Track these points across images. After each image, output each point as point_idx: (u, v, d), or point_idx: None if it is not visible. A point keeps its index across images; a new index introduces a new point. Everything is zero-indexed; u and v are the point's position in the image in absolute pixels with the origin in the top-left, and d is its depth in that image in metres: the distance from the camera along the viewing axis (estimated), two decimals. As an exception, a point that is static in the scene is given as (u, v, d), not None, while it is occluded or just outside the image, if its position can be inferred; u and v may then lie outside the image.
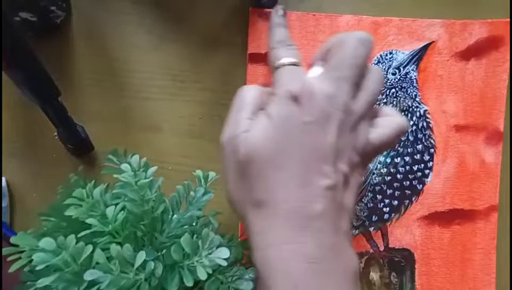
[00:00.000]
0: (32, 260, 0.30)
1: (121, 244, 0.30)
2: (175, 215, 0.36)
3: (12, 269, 0.31)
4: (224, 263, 0.31)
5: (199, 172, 0.39)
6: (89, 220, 0.32)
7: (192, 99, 0.48)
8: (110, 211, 0.32)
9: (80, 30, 0.48)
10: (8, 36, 0.34)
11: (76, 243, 0.29)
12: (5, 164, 0.48)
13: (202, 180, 0.39)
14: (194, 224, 0.37)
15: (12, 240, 0.31)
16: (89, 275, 0.28)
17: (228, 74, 0.48)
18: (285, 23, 0.39)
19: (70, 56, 0.48)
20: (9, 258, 0.31)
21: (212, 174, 0.39)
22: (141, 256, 0.29)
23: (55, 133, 0.46)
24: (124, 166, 0.34)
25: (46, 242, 0.29)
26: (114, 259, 0.29)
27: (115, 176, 0.35)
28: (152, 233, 0.34)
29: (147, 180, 0.34)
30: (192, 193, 0.37)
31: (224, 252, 0.31)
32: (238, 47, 0.48)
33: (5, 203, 0.46)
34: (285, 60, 0.32)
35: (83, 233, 0.31)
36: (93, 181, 0.36)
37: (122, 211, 0.32)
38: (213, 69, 0.48)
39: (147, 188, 0.34)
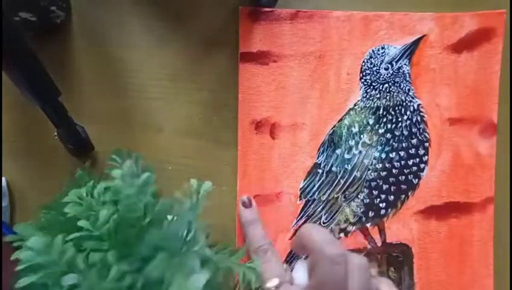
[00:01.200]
0: None
1: (106, 250, 0.30)
2: (161, 227, 0.35)
3: (13, 257, 0.31)
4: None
5: (194, 181, 0.37)
6: (80, 222, 0.31)
7: (192, 100, 0.49)
8: (102, 215, 0.31)
9: (80, 30, 0.49)
10: (8, 36, 0.35)
11: (66, 242, 0.29)
12: (5, 164, 0.48)
13: (195, 192, 0.37)
14: (181, 235, 0.36)
15: (15, 228, 0.31)
16: (68, 280, 0.28)
17: (228, 75, 0.48)
18: (257, 215, 0.46)
19: (71, 56, 0.49)
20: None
21: (206, 185, 0.37)
22: (117, 270, 0.29)
23: (55, 133, 0.47)
24: (115, 172, 0.33)
25: (35, 241, 0.29)
26: (95, 266, 0.29)
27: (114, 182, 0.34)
28: (137, 242, 0.33)
29: (140, 180, 0.33)
30: (181, 206, 0.36)
31: (202, 278, 0.30)
32: (238, 47, 0.48)
33: (5, 203, 0.47)
34: (270, 285, 0.36)
35: (72, 235, 0.31)
36: (91, 181, 0.36)
37: (114, 216, 0.32)
38: (213, 69, 0.48)
39: (139, 194, 0.33)
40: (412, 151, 0.47)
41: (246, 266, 0.36)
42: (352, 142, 0.47)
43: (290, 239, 0.48)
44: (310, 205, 0.48)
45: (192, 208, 0.36)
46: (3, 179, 0.47)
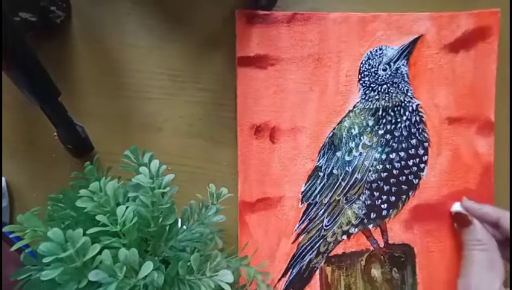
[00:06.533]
0: (33, 241, 0.30)
1: (126, 246, 0.30)
2: (184, 228, 0.36)
3: (15, 247, 0.30)
4: (228, 288, 0.30)
5: (212, 186, 0.38)
6: (98, 217, 0.31)
7: (192, 100, 0.48)
8: (120, 211, 0.31)
9: (80, 30, 0.48)
10: (8, 36, 0.34)
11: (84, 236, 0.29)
12: (5, 164, 0.47)
13: (214, 197, 0.38)
14: (198, 241, 0.37)
15: (18, 218, 0.31)
16: (93, 276, 0.27)
17: (228, 75, 0.48)
18: None
19: (70, 56, 0.48)
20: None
21: (224, 190, 0.38)
22: (148, 266, 0.28)
23: (55, 134, 0.46)
24: (142, 169, 0.34)
25: (55, 233, 0.28)
26: (120, 263, 0.28)
27: (133, 180, 0.33)
28: (157, 241, 0.34)
29: (164, 190, 0.33)
30: (203, 211, 0.37)
31: (229, 277, 0.31)
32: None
33: (4, 203, 0.46)
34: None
35: (91, 230, 0.30)
36: (102, 177, 0.35)
37: (133, 213, 0.32)
38: (213, 69, 0.48)
39: (161, 195, 0.33)
40: (412, 151, 0.47)
41: (255, 269, 0.37)
42: (352, 144, 0.47)
43: (292, 243, 0.48)
44: (312, 209, 0.48)
45: (216, 213, 0.37)
46: (3, 179, 0.47)
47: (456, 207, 0.47)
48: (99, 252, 0.28)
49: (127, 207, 0.31)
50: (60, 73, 0.46)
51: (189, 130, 0.48)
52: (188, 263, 0.31)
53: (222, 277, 0.31)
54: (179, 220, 0.37)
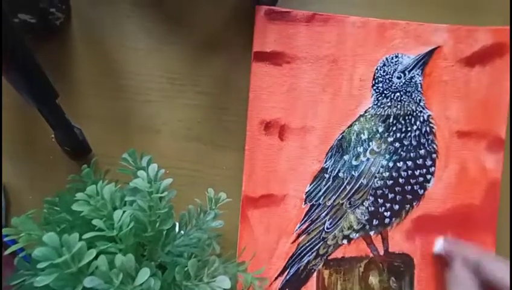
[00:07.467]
0: (29, 245, 0.29)
1: (122, 251, 0.29)
2: (182, 233, 0.35)
3: (9, 251, 0.30)
4: None
5: (211, 191, 0.38)
6: (95, 221, 0.30)
7: (191, 103, 0.48)
8: (117, 215, 0.31)
9: (79, 32, 0.48)
10: (8, 38, 0.34)
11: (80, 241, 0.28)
12: (2, 165, 0.47)
13: (213, 202, 0.37)
14: (195, 246, 0.36)
15: (13, 222, 0.30)
16: (89, 282, 0.26)
17: (228, 78, 0.48)
18: None
19: (70, 58, 0.48)
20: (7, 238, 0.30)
21: (223, 195, 0.38)
22: (145, 273, 0.28)
23: (52, 135, 0.46)
24: (140, 173, 0.33)
25: (50, 237, 0.27)
26: (116, 269, 0.28)
27: (131, 184, 0.33)
28: (154, 246, 0.34)
29: (162, 195, 0.33)
30: (202, 216, 0.37)
31: (226, 283, 0.31)
32: (239, 49, 0.48)
33: (0, 205, 0.46)
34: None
35: (87, 235, 0.30)
36: (100, 180, 0.35)
37: (130, 218, 0.31)
38: (213, 72, 0.48)
39: (158, 200, 0.33)
40: (420, 161, 0.47)
41: (251, 275, 0.36)
42: (360, 149, 0.47)
43: (292, 243, 0.47)
44: (315, 210, 0.47)
45: (214, 218, 0.36)
46: None
47: (439, 246, 0.46)
48: (95, 258, 0.28)
49: (124, 211, 0.31)
50: (58, 74, 0.46)
51: (187, 134, 0.48)
52: (185, 269, 0.31)
53: (219, 282, 0.31)
54: (177, 224, 0.36)
